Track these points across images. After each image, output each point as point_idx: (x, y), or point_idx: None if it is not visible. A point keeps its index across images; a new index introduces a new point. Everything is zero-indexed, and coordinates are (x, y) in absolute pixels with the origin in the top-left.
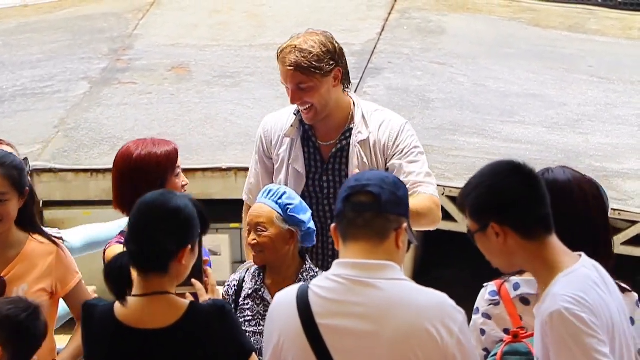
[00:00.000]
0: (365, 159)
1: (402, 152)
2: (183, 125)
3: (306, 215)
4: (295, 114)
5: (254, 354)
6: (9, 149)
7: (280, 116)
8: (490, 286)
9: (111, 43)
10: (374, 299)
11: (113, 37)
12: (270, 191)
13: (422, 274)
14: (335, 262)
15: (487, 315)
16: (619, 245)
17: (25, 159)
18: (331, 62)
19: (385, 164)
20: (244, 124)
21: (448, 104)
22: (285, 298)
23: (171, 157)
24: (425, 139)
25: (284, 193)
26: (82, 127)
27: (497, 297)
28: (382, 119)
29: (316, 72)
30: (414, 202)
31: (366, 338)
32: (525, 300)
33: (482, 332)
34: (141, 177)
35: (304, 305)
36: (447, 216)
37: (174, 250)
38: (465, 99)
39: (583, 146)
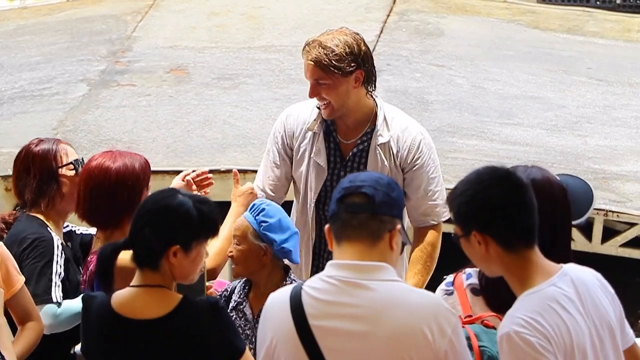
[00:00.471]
0: (385, 162)
1: (420, 168)
2: (182, 127)
3: (281, 235)
4: (318, 108)
5: (247, 351)
6: (68, 148)
7: (303, 109)
8: (449, 277)
9: (110, 45)
10: (368, 300)
11: (112, 39)
12: (253, 205)
13: None
14: (329, 263)
15: None
16: (617, 248)
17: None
18: (352, 64)
19: (402, 172)
20: (243, 126)
21: (447, 105)
22: (279, 299)
23: (148, 170)
24: None
25: (263, 210)
26: (80, 129)
27: (451, 287)
28: (403, 126)
29: (335, 71)
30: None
31: (359, 339)
32: (475, 290)
33: None
34: (122, 192)
35: (297, 306)
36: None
37: (160, 249)
38: (464, 101)
39: (582, 148)
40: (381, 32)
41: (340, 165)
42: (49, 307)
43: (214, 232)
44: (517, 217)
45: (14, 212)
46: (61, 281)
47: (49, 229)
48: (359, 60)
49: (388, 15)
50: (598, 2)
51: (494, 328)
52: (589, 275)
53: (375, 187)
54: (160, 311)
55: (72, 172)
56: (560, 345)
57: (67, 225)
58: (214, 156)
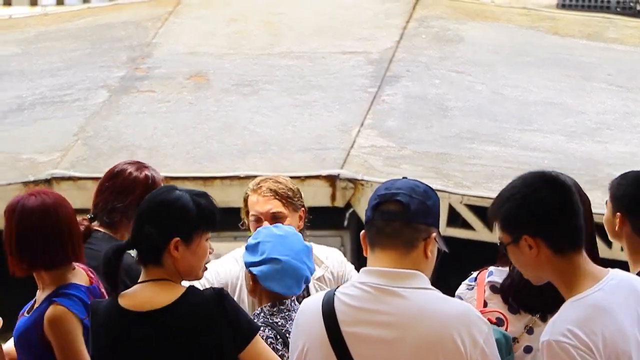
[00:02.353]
0: None
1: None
2: (201, 133)
3: (251, 257)
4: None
5: (258, 336)
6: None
7: (226, 266)
8: (475, 273)
9: (130, 51)
10: (399, 307)
11: (132, 46)
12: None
13: (440, 282)
14: (362, 269)
15: (459, 297)
16: None
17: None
18: (301, 200)
19: None
20: (262, 132)
21: (466, 112)
22: (311, 305)
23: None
24: (442, 147)
25: (261, 231)
26: (101, 135)
27: (474, 283)
28: (325, 254)
29: (291, 202)
30: None
31: (390, 346)
32: (494, 288)
33: None
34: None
35: (329, 312)
36: (465, 224)
37: (161, 243)
38: (483, 107)
39: (602, 154)
40: (401, 38)
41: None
42: None
43: (212, 223)
44: (567, 220)
45: (88, 221)
46: None
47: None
48: (302, 199)
49: (407, 22)
50: (618, 9)
51: (495, 324)
52: (637, 279)
53: (411, 195)
54: (165, 301)
55: None
56: (604, 354)
57: None
58: (233, 162)
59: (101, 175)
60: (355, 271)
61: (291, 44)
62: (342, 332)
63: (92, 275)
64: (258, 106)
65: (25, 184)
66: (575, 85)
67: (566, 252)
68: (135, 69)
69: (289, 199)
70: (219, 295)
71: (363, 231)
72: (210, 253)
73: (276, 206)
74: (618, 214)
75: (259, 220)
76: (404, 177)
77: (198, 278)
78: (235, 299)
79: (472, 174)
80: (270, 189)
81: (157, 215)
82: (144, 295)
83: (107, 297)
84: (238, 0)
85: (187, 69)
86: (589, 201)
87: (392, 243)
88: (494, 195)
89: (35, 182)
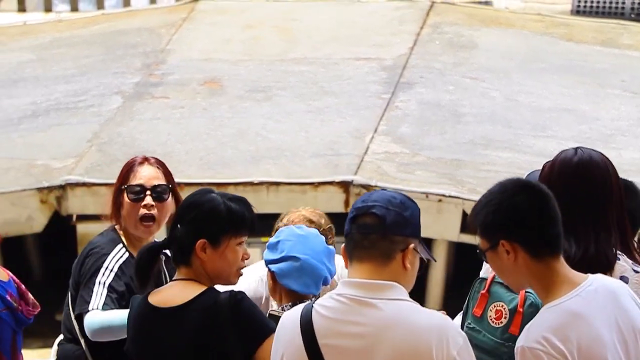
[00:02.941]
0: None
1: None
2: (215, 139)
3: (271, 255)
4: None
5: (272, 337)
6: (141, 171)
7: (257, 286)
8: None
9: (144, 58)
10: (373, 318)
11: (146, 52)
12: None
13: (454, 289)
14: (341, 281)
15: (623, 279)
16: None
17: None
18: (332, 233)
19: None
20: (276, 138)
21: (480, 118)
22: (291, 317)
23: None
24: (456, 154)
25: (283, 230)
26: (115, 141)
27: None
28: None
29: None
30: None
31: (364, 357)
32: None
33: None
34: None
35: (306, 324)
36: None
37: (189, 243)
38: (497, 114)
39: (616, 161)
40: (414, 44)
41: None
42: (88, 316)
43: (244, 228)
44: (544, 225)
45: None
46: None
47: (119, 245)
48: (332, 232)
49: (421, 28)
50: (632, 15)
51: None
52: (618, 285)
53: (387, 207)
54: (183, 299)
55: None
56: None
57: None
58: (247, 168)
59: (115, 181)
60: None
61: (305, 50)
62: (319, 344)
63: (9, 272)
64: (271, 112)
65: (40, 190)
66: (590, 91)
67: (544, 257)
68: (149, 75)
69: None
70: (233, 298)
71: (343, 245)
72: (245, 259)
73: None
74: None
75: None
76: (382, 189)
77: (231, 283)
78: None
79: (486, 180)
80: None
81: (187, 216)
82: (169, 293)
83: (26, 293)
84: (253, 6)
85: (201, 75)
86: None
87: (369, 255)
88: None
89: (49, 189)
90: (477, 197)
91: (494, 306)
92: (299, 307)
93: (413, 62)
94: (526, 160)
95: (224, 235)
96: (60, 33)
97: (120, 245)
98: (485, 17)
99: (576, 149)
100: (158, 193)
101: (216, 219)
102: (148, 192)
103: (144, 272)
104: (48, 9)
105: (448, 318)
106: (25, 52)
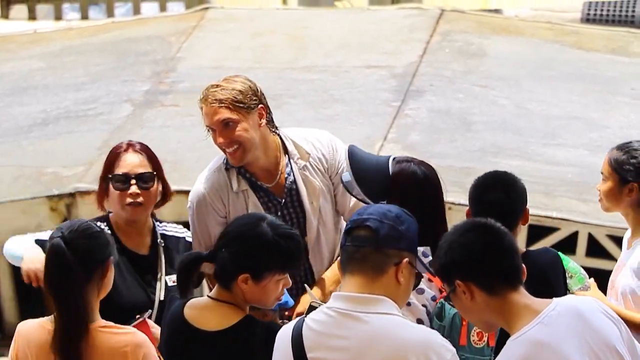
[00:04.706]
0: (316, 182)
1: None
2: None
3: None
4: (227, 169)
5: None
6: (126, 158)
7: (211, 179)
8: None
9: (154, 66)
10: (358, 332)
11: (156, 60)
12: None
13: None
14: (333, 294)
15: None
16: None
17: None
18: (254, 98)
19: (331, 180)
20: None
21: (490, 126)
22: (284, 331)
23: None
24: (466, 161)
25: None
26: None
27: None
28: (312, 140)
29: (241, 106)
30: None
31: None
32: None
33: (422, 290)
34: None
35: (297, 338)
36: None
37: (232, 273)
38: (507, 122)
39: None
40: (424, 52)
41: (280, 207)
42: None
43: (290, 266)
44: (496, 260)
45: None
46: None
47: (103, 222)
48: (259, 95)
49: (431, 36)
50: None
51: None
52: (586, 302)
53: (382, 221)
54: (221, 325)
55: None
56: None
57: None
58: None
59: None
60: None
61: (315, 58)
62: (308, 358)
63: None
64: (282, 120)
65: (50, 197)
66: (600, 99)
67: (500, 292)
68: (160, 83)
69: (237, 103)
70: (270, 332)
71: (339, 258)
72: (285, 286)
73: (225, 114)
74: (635, 184)
75: (213, 131)
76: (380, 202)
77: (268, 307)
78: None
79: None
80: (216, 99)
81: (235, 244)
82: (207, 313)
83: None
84: (263, 14)
85: (211, 82)
86: None
87: (360, 268)
88: None
89: (59, 196)
90: None
91: (474, 330)
92: (293, 322)
93: (423, 70)
94: (536, 168)
95: (269, 273)
96: (71, 41)
97: (104, 224)
98: (495, 25)
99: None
100: (144, 181)
101: (263, 257)
102: (133, 181)
103: (185, 281)
104: (58, 17)
105: (436, 333)
106: (35, 60)
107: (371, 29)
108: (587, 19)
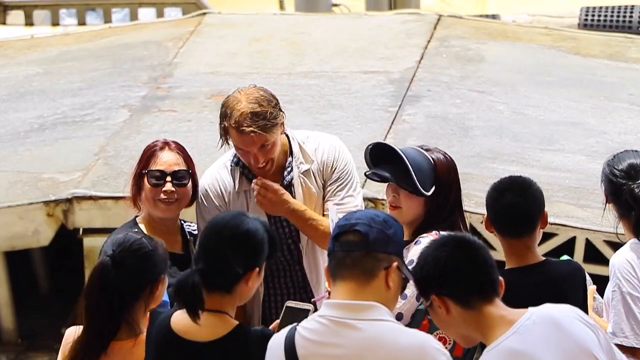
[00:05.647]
0: (312, 189)
1: (337, 179)
2: (223, 152)
3: None
4: (233, 167)
5: None
6: (163, 156)
7: (219, 173)
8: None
9: (151, 71)
10: (353, 340)
11: (153, 65)
12: None
13: None
14: (324, 302)
15: None
16: None
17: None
18: (280, 112)
19: (323, 187)
20: None
21: (487, 131)
22: (276, 340)
23: None
24: (464, 167)
25: None
26: (122, 154)
27: None
28: (315, 145)
29: (272, 124)
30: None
31: None
32: None
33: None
34: None
35: (290, 347)
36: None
37: (242, 273)
38: (505, 127)
39: None
40: (422, 57)
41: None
42: None
43: (274, 254)
44: (469, 275)
45: None
46: None
47: (134, 229)
48: (279, 103)
49: (429, 41)
50: None
51: None
52: (561, 310)
53: (370, 225)
54: (213, 335)
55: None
56: None
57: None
58: None
59: (122, 194)
60: (347, 160)
61: (313, 64)
62: None
63: None
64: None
65: (46, 203)
66: (597, 105)
67: (475, 305)
68: (157, 88)
69: (272, 126)
70: (264, 339)
71: (326, 265)
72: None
73: (262, 140)
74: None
75: (246, 151)
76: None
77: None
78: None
79: None
80: (253, 130)
81: (242, 245)
82: (194, 324)
83: None
84: (260, 20)
85: (208, 88)
86: None
87: (351, 273)
88: None
89: (56, 202)
90: (484, 211)
91: (437, 334)
92: (285, 330)
93: (420, 75)
94: (533, 174)
95: (264, 263)
96: (68, 46)
97: (136, 230)
98: (493, 31)
99: None
100: (178, 178)
101: (264, 249)
102: (168, 178)
103: (196, 299)
104: (55, 22)
105: (430, 337)
106: (32, 65)
107: (368, 35)
108: (585, 25)
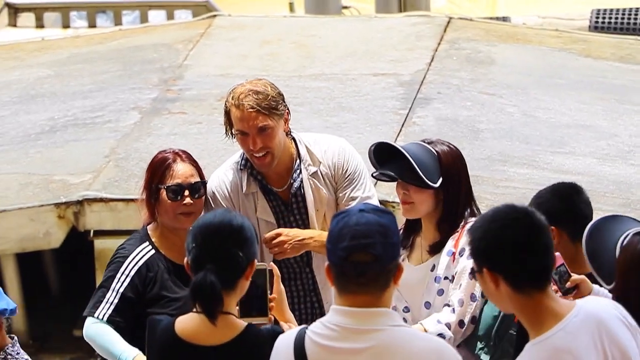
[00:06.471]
0: (323, 190)
1: (350, 181)
2: (232, 154)
3: None
4: (241, 169)
5: None
6: (180, 168)
7: (226, 175)
8: None
9: (161, 73)
10: (369, 346)
11: (163, 68)
12: None
13: None
14: (332, 308)
15: None
16: None
17: None
18: (283, 103)
19: (335, 191)
20: None
21: (497, 134)
22: (284, 343)
23: None
24: (474, 170)
25: None
26: (132, 156)
27: None
28: (324, 148)
29: (276, 112)
30: None
31: None
32: None
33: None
34: None
35: (299, 352)
36: None
37: (245, 266)
38: (515, 130)
39: (635, 177)
40: (432, 60)
41: (286, 211)
42: (89, 320)
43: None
44: (528, 259)
45: None
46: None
47: (145, 243)
48: (284, 99)
49: (439, 44)
50: None
51: None
52: (607, 309)
53: (381, 242)
54: (222, 338)
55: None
56: None
57: None
58: None
59: (132, 196)
60: (357, 161)
61: (323, 66)
62: None
63: None
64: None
65: (57, 205)
66: (608, 107)
67: (526, 290)
68: (167, 90)
69: (273, 109)
70: (275, 336)
71: (327, 264)
72: None
73: (261, 120)
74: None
75: (244, 135)
76: (360, 210)
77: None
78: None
79: (504, 197)
80: (252, 106)
81: (244, 239)
82: (202, 328)
83: None
84: (270, 22)
85: (219, 90)
86: None
87: (365, 291)
88: None
89: (67, 204)
90: None
91: None
92: (292, 333)
93: (430, 77)
94: (544, 177)
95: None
96: (78, 49)
97: (146, 243)
98: (503, 33)
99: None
100: (196, 190)
101: (255, 239)
102: (186, 193)
103: (215, 299)
104: (66, 25)
105: (445, 342)
106: (42, 67)
107: (378, 37)
108: (595, 27)
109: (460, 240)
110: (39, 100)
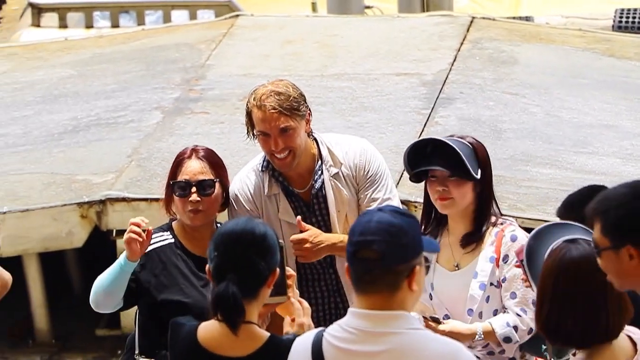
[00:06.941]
0: (344, 191)
1: (372, 182)
2: (255, 154)
3: None
4: (263, 171)
5: None
6: (190, 166)
7: (249, 178)
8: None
9: (184, 73)
10: (386, 350)
11: (186, 68)
12: None
13: None
14: (350, 310)
15: None
16: None
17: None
18: (305, 104)
19: (357, 192)
20: None
21: (520, 134)
22: (301, 346)
23: None
24: (497, 170)
25: None
26: (154, 156)
27: None
28: (345, 149)
29: (298, 113)
30: None
31: None
32: None
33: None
34: None
35: (317, 354)
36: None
37: (267, 275)
38: (538, 130)
39: None
40: (454, 60)
41: (308, 212)
42: None
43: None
44: None
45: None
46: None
47: (165, 232)
48: (306, 100)
49: (462, 43)
50: None
51: None
52: None
53: (387, 240)
54: (245, 350)
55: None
56: None
57: None
58: None
59: (155, 196)
60: (379, 162)
61: (345, 66)
62: None
63: None
64: (311, 127)
65: (80, 205)
66: (632, 107)
67: None
68: (189, 90)
69: (295, 110)
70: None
71: (346, 264)
72: None
73: (283, 121)
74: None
75: (265, 136)
76: (379, 210)
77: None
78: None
79: (527, 197)
80: (274, 107)
81: (266, 248)
82: (225, 338)
83: None
84: (292, 22)
85: (241, 90)
86: None
87: (374, 289)
88: (549, 218)
89: (90, 204)
90: (517, 214)
91: None
92: (310, 335)
93: (453, 77)
94: (567, 177)
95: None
96: (101, 49)
97: (167, 233)
98: (526, 33)
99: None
100: (204, 188)
101: (277, 247)
102: (193, 189)
103: (237, 310)
104: (89, 25)
105: (461, 345)
106: (66, 67)
107: (401, 37)
108: (619, 27)
109: (502, 247)
110: (62, 100)
